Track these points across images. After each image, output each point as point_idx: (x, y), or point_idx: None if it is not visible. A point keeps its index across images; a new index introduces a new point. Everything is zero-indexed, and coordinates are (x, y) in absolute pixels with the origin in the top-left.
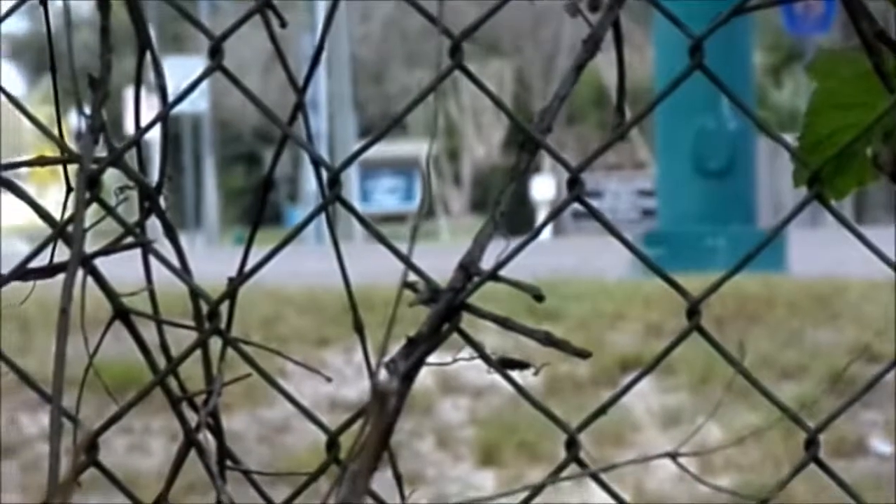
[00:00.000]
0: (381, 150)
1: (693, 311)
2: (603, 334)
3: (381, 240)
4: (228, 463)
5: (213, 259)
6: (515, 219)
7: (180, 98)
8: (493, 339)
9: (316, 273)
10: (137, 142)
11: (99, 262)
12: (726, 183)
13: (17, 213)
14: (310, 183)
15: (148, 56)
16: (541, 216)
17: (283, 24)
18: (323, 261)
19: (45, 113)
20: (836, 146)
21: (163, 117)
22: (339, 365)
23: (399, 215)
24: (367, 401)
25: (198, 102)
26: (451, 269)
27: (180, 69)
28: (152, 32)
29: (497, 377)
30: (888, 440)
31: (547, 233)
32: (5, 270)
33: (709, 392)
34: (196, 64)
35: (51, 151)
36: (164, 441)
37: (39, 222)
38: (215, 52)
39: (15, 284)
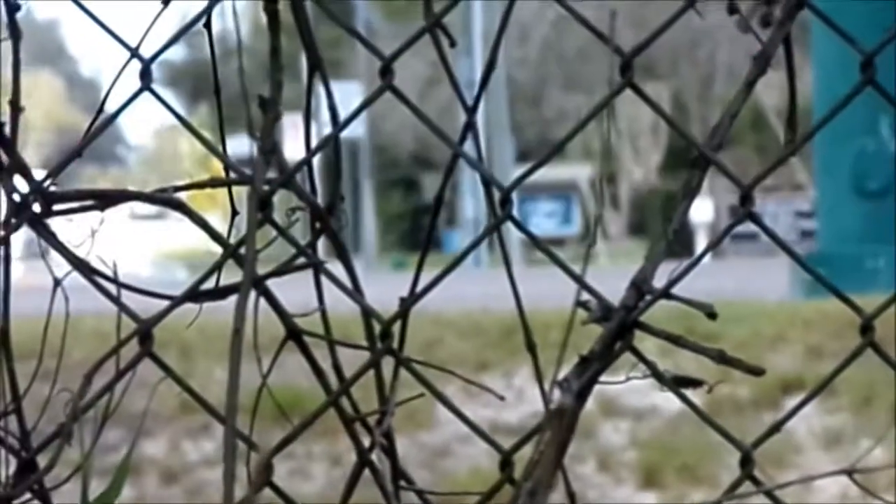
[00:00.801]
0: (539, 174)
1: (867, 327)
2: (763, 356)
3: (552, 257)
4: (402, 483)
5: (371, 284)
6: (674, 241)
7: (350, 119)
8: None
9: (475, 297)
10: (308, 162)
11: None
12: (886, 204)
13: (175, 240)
14: (467, 208)
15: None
16: (699, 238)
17: (453, 44)
18: (482, 285)
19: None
20: None
21: (334, 137)
22: (499, 389)
23: (557, 239)
24: (539, 420)
25: (355, 127)
26: (610, 293)
27: (338, 94)
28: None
29: (657, 400)
30: None
31: (706, 256)
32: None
33: (871, 413)
34: (353, 89)
35: (208, 177)
36: (326, 466)
37: (199, 249)
38: (385, 73)
39: (177, 310)
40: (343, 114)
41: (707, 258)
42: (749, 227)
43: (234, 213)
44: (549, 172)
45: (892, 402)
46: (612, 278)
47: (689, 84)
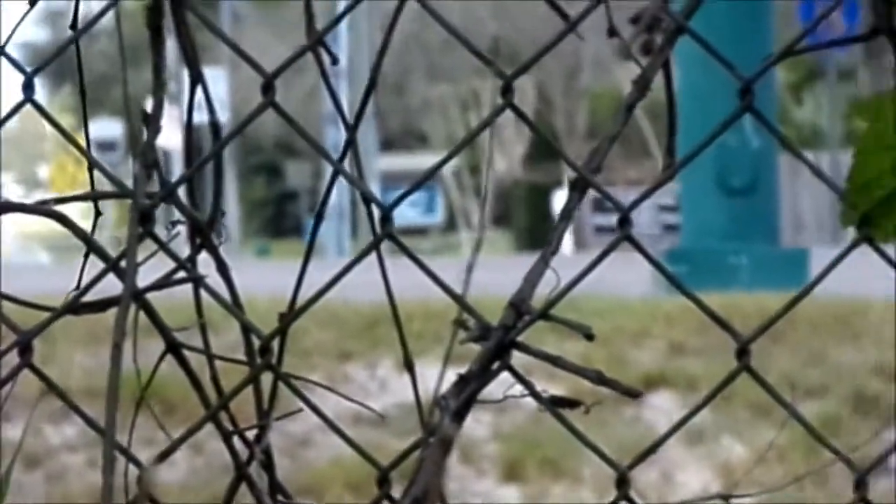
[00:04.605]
0: (403, 163)
1: (743, 351)
2: (626, 352)
3: (433, 277)
4: (280, 498)
5: (235, 271)
6: (537, 233)
7: (231, 136)
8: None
9: (337, 286)
10: (190, 178)
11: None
12: (749, 201)
13: (37, 221)
14: (332, 195)
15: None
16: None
17: (335, 62)
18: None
19: (66, 122)
20: (884, 188)
21: (217, 153)
22: (362, 379)
23: (420, 228)
24: (419, 437)
25: (219, 112)
26: (474, 285)
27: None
28: (169, 45)
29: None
30: None
31: (568, 247)
32: (29, 282)
33: (732, 410)
34: (217, 75)
35: (72, 159)
36: (188, 453)
37: (60, 231)
38: (267, 89)
39: (40, 289)
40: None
41: (570, 250)
42: (611, 219)
43: (98, 213)
44: (413, 162)
45: (752, 399)
46: (476, 270)
47: (554, 77)
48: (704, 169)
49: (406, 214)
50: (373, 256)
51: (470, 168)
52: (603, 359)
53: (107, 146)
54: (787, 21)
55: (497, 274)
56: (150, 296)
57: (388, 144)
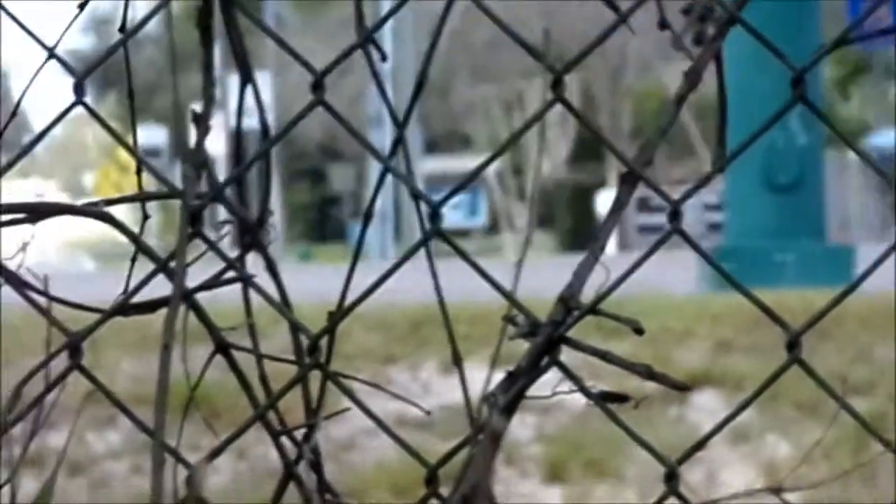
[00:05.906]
0: (447, 165)
1: (793, 344)
2: (671, 351)
3: (481, 272)
4: (328, 497)
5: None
6: (581, 234)
7: (280, 136)
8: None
9: (382, 290)
10: (239, 177)
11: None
12: (795, 198)
13: (81, 229)
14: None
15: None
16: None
17: (384, 58)
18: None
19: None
20: None
21: (265, 152)
22: (405, 382)
23: (464, 230)
24: (467, 435)
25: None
26: (517, 286)
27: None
28: (217, 49)
29: (563, 394)
30: None
31: (613, 247)
32: (74, 289)
33: (777, 408)
34: (262, 80)
35: (116, 167)
36: (232, 459)
37: (105, 239)
38: (317, 87)
39: (86, 298)
40: (249, 105)
41: (614, 251)
42: (655, 219)
43: (146, 216)
44: (456, 164)
45: (798, 397)
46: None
47: (599, 76)
48: (750, 166)
49: (449, 217)
50: (416, 259)
51: (513, 170)
52: (649, 358)
53: (151, 153)
54: (836, 20)
55: (540, 275)
56: (198, 298)
57: (432, 147)
